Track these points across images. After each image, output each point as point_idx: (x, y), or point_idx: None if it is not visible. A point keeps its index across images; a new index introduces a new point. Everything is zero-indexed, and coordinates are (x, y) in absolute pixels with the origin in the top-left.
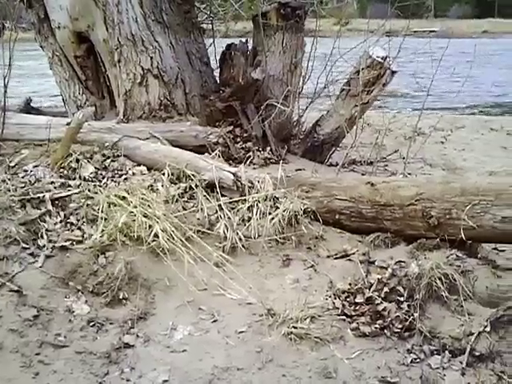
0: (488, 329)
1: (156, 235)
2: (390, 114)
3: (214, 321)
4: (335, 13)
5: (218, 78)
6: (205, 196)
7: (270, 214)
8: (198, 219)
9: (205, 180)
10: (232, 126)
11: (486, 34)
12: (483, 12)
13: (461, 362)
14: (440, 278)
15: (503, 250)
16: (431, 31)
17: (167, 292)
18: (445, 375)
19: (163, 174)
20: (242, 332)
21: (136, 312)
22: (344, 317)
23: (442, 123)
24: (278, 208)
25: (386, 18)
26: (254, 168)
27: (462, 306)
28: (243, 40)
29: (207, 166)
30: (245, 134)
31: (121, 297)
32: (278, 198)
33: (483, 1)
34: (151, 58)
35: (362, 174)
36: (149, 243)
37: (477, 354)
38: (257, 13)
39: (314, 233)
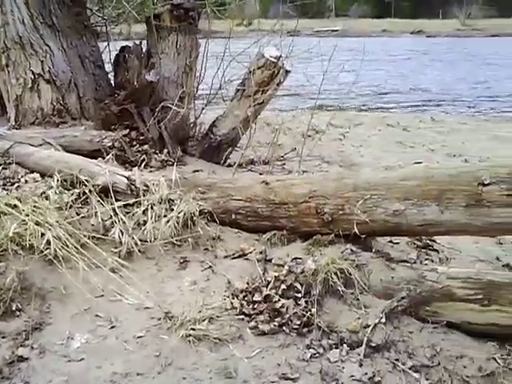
0: (383, 320)
1: (49, 243)
2: (289, 113)
3: (112, 327)
4: (237, 13)
5: (112, 82)
6: (99, 201)
7: (165, 216)
8: (93, 225)
9: (98, 185)
10: (128, 130)
11: (385, 33)
12: (382, 12)
13: (358, 354)
14: (336, 273)
15: (397, 243)
16: (333, 30)
17: (63, 300)
18: (344, 368)
19: (56, 181)
20: (141, 337)
21: (31, 323)
22: (242, 316)
23: (340, 120)
24: (173, 210)
25: (288, 18)
26: (151, 171)
27: (358, 300)
28: (137, 42)
29: (101, 171)
30: (141, 137)
31: (14, 308)
32: (173, 201)
33: (382, 1)
34: (42, 61)
35: (260, 174)
36: (42, 251)
37: (373, 344)
38: (150, 15)
39: (210, 234)
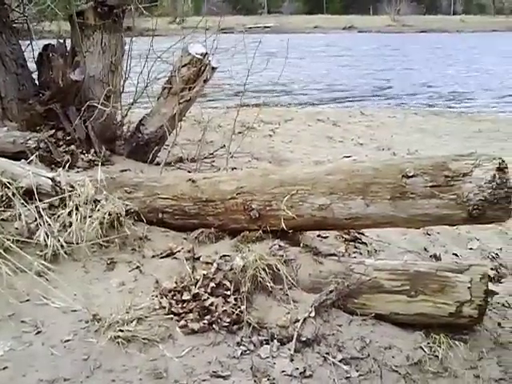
0: (313, 314)
1: None
2: (221, 111)
3: (38, 332)
4: (169, 11)
5: (37, 81)
6: (23, 204)
7: (91, 217)
8: (17, 228)
9: (22, 187)
10: (54, 130)
11: (317, 29)
12: (313, 8)
13: (289, 349)
14: (264, 269)
15: (326, 237)
16: (266, 27)
17: None
18: (275, 363)
19: None
20: (68, 341)
21: None
22: (172, 315)
23: (271, 117)
24: (99, 211)
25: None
26: (78, 171)
27: (287, 295)
28: (61, 40)
29: (24, 173)
30: (68, 137)
31: None
32: (99, 201)
33: None
34: None
35: (188, 172)
36: None
37: (303, 339)
38: (73, 12)
39: (138, 233)
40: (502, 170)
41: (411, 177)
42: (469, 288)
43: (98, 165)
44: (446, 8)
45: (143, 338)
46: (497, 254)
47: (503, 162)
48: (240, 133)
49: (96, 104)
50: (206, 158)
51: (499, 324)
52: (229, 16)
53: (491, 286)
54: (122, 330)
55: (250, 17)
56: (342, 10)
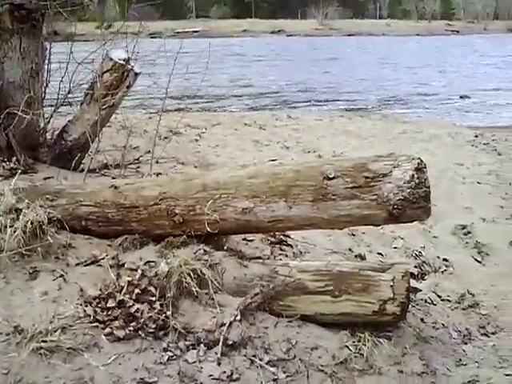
0: (239, 317)
1: None
2: (146, 116)
3: None
4: (97, 16)
5: None
6: None
7: (11, 226)
8: None
9: None
10: None
11: (246, 33)
12: (241, 13)
13: (216, 353)
14: (189, 274)
15: (252, 240)
16: (194, 31)
17: None
18: (202, 368)
19: None
20: None
21: None
22: (97, 323)
23: (198, 121)
24: (20, 220)
25: (149, 20)
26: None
27: (212, 299)
28: None
29: None
30: None
31: None
32: (20, 210)
33: (241, 2)
34: None
35: (113, 178)
36: None
37: (230, 342)
38: None
39: (61, 241)
40: (420, 169)
41: (332, 178)
42: (391, 286)
43: (20, 173)
44: (372, 12)
45: (67, 348)
46: (420, 252)
47: (421, 162)
48: (166, 138)
49: (16, 111)
50: (131, 163)
51: (422, 320)
52: (157, 21)
53: (415, 284)
54: (44, 341)
55: (178, 21)
56: (271, 14)
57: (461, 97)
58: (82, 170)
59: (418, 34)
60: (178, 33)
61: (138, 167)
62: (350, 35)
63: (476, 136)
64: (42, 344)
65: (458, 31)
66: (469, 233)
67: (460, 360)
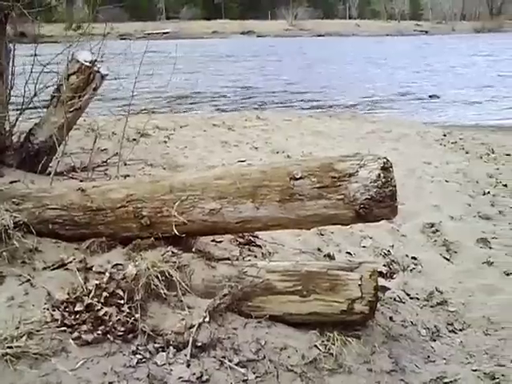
0: (207, 319)
1: None
2: (114, 118)
3: None
4: (66, 17)
5: None
6: None
7: None
8: None
9: None
10: None
11: (216, 34)
12: (211, 13)
13: (185, 355)
14: (157, 276)
15: (221, 241)
16: (164, 33)
17: None
18: (172, 370)
19: None
20: None
21: None
22: (64, 328)
23: (166, 123)
24: None
25: (119, 21)
26: None
27: (181, 301)
28: None
29: None
30: None
31: None
32: None
33: (211, 3)
34: None
35: (81, 181)
36: None
37: (199, 344)
38: None
39: (27, 246)
40: (386, 169)
41: (299, 179)
42: (359, 285)
43: None
44: (342, 12)
45: (34, 353)
46: (389, 251)
47: (388, 161)
48: (135, 139)
49: None
50: (98, 166)
51: (391, 318)
52: (127, 22)
53: (383, 282)
54: (10, 347)
55: (148, 23)
56: (240, 15)
57: (430, 96)
58: (49, 174)
59: (387, 35)
60: (148, 34)
61: (106, 170)
62: (319, 36)
63: (444, 135)
64: (8, 350)
65: (426, 31)
66: (437, 231)
67: (428, 357)
